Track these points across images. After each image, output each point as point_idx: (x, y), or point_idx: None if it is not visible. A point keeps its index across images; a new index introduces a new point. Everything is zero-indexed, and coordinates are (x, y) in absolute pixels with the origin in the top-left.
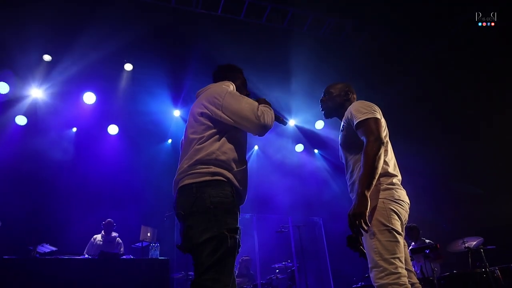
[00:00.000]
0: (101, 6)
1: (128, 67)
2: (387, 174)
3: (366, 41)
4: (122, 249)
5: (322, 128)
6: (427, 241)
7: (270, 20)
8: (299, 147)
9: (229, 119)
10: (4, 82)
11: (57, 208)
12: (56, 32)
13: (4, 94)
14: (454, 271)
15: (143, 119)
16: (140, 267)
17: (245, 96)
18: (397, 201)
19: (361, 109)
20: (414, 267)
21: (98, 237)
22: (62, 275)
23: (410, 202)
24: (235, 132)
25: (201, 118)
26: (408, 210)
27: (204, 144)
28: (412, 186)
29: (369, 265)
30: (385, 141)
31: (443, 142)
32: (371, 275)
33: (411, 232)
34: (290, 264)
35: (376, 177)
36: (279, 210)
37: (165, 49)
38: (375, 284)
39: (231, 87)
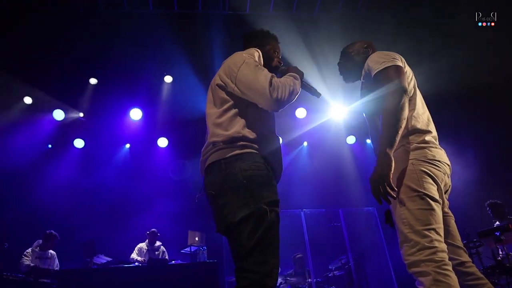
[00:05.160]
0: (132, 22)
1: (168, 79)
2: (417, 131)
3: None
4: (166, 257)
5: None
6: None
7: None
8: (351, 139)
9: (240, 92)
10: (60, 110)
11: (113, 220)
12: (99, 54)
13: (61, 121)
14: None
15: (190, 129)
16: (189, 272)
17: (263, 68)
18: (430, 161)
19: (378, 59)
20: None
21: (143, 245)
22: (116, 282)
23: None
24: (256, 105)
25: (218, 91)
26: (447, 172)
27: (225, 119)
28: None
29: (399, 240)
30: (410, 90)
31: None
32: (401, 252)
33: (495, 209)
34: (346, 260)
35: (400, 132)
36: (329, 203)
37: (200, 55)
38: (405, 262)
39: (256, 54)
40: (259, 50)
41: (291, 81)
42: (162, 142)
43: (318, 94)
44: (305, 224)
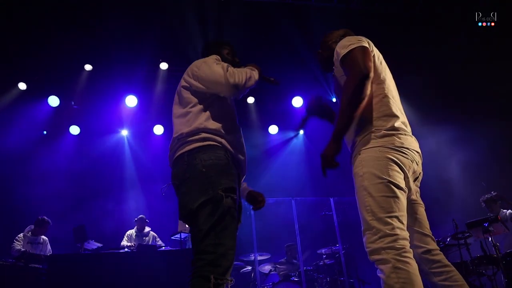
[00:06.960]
0: (125, 7)
1: (164, 66)
2: (386, 116)
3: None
4: (158, 241)
5: None
6: (508, 211)
7: None
8: None
9: (203, 86)
10: (54, 96)
11: (105, 206)
12: (94, 40)
13: (56, 107)
14: None
15: None
16: (178, 258)
17: (221, 62)
18: (398, 148)
19: (345, 43)
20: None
21: (132, 232)
22: (106, 268)
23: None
24: (218, 101)
25: (183, 92)
26: (416, 160)
27: (190, 116)
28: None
29: (362, 228)
30: (379, 73)
31: None
32: (363, 240)
33: (488, 205)
34: (337, 249)
35: (355, 115)
36: (320, 192)
37: (196, 42)
38: (367, 250)
39: (214, 57)
40: (217, 56)
41: (247, 70)
42: (158, 129)
43: (276, 83)
44: (296, 212)
